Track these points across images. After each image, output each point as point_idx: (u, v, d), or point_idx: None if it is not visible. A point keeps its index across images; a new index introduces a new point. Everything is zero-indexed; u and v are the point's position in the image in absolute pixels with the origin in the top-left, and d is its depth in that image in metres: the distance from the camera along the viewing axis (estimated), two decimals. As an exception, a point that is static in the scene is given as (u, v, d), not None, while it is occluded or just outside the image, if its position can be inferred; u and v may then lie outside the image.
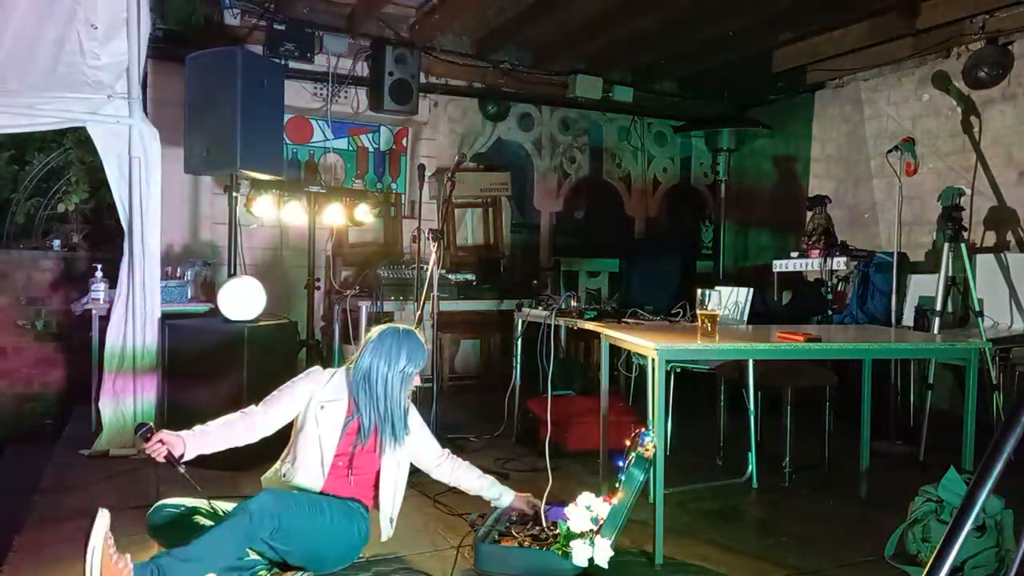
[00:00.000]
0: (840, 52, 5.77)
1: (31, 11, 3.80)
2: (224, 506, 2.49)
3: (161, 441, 2.32)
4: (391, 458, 2.64)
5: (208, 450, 2.46)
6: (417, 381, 2.73)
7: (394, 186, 6.48)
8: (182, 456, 2.36)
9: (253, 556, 2.36)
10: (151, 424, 2.37)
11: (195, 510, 2.44)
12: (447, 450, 2.90)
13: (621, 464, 2.75)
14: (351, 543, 2.53)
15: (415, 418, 2.78)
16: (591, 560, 2.51)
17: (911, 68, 5.71)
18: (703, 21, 5.40)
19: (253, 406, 2.61)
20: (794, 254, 5.59)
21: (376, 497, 2.64)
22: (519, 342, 4.49)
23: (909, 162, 4.77)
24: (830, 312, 5.31)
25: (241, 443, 2.55)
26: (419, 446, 2.79)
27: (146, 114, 4.20)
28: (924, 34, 5.25)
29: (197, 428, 2.47)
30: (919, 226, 5.57)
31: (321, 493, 2.55)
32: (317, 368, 2.74)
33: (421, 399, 4.61)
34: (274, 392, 2.65)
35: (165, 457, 2.32)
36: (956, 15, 4.95)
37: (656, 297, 4.62)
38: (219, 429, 2.49)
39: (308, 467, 2.56)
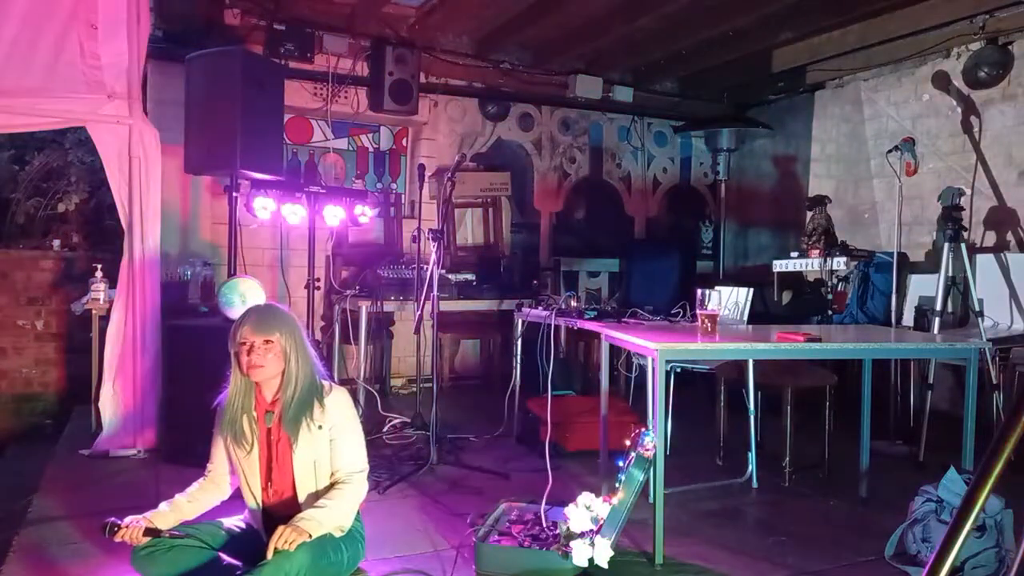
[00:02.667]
0: (840, 52, 5.77)
1: (31, 11, 3.80)
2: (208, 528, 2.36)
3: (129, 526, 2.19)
4: (303, 457, 2.32)
5: (188, 517, 2.35)
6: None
7: (394, 186, 6.48)
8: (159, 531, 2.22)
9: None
10: (113, 518, 2.21)
11: (187, 543, 2.24)
12: (351, 483, 2.37)
13: (621, 464, 2.75)
14: (355, 560, 2.48)
15: (340, 411, 2.40)
16: (591, 560, 2.51)
17: (911, 68, 5.71)
18: (703, 21, 5.40)
19: (209, 464, 2.45)
20: (794, 254, 5.59)
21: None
22: (519, 342, 4.48)
23: (909, 162, 4.78)
24: (830, 312, 5.31)
25: (217, 502, 2.43)
26: (336, 449, 2.37)
27: (146, 114, 4.20)
28: (924, 34, 5.24)
29: (163, 505, 2.34)
30: (919, 226, 5.57)
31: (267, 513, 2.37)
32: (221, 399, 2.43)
33: (421, 399, 4.62)
34: None
35: (146, 533, 2.19)
36: (956, 15, 4.95)
37: (656, 297, 4.63)
38: (189, 505, 2.36)
39: (246, 499, 2.40)
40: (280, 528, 2.12)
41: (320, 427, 2.34)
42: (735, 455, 3.93)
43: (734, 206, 7.14)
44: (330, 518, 2.25)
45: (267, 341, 2.30)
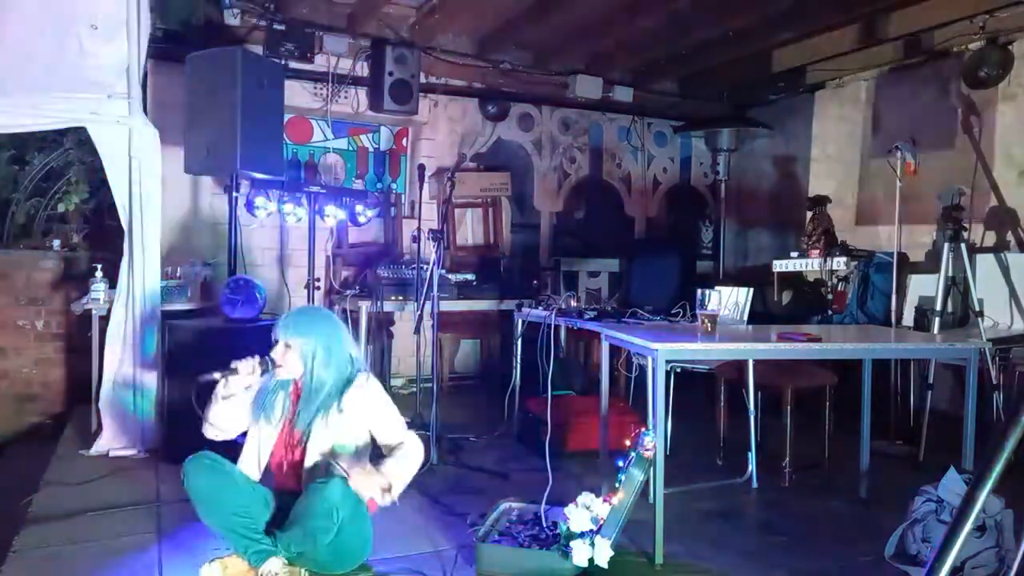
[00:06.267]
0: (840, 52, 5.76)
1: (31, 11, 3.80)
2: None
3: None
4: (316, 446, 2.49)
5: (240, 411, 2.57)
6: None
7: (394, 186, 6.48)
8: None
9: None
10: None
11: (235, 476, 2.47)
12: (406, 442, 2.58)
13: (621, 464, 2.75)
14: (358, 540, 2.52)
15: (370, 397, 2.58)
16: (591, 560, 2.52)
17: (911, 68, 5.70)
18: (703, 21, 5.40)
19: None
20: (794, 254, 5.58)
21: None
22: (519, 342, 4.48)
23: (909, 162, 4.77)
24: (830, 312, 5.30)
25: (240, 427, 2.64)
26: (378, 432, 2.59)
27: (146, 114, 4.20)
28: (924, 34, 5.24)
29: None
30: (919, 226, 5.57)
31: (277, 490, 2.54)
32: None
33: (421, 399, 4.62)
34: None
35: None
36: (956, 15, 4.94)
37: (656, 297, 4.62)
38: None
39: (249, 469, 2.55)
40: (369, 471, 2.35)
41: (342, 411, 2.49)
42: (735, 455, 3.93)
43: (734, 206, 7.14)
44: (403, 468, 2.47)
45: (287, 345, 2.47)
